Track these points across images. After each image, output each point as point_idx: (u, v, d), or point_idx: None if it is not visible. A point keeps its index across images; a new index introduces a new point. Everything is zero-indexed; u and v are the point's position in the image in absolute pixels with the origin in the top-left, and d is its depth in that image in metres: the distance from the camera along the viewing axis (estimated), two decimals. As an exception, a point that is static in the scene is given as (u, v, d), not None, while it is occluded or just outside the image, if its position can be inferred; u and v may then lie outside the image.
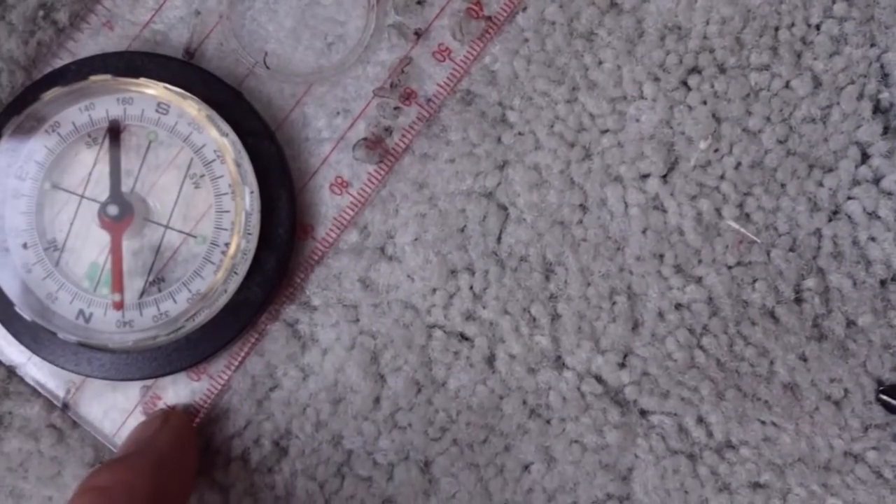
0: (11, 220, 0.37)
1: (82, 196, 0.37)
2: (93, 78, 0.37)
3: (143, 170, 0.38)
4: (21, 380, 0.38)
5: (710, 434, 0.38)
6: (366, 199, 0.38)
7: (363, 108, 0.39)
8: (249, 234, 0.36)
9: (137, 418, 0.38)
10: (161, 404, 0.38)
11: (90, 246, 0.37)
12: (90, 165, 0.38)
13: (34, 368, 0.38)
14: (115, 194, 0.37)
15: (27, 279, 0.37)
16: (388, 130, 0.38)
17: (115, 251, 0.36)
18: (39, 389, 0.38)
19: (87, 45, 0.39)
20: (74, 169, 0.38)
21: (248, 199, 0.36)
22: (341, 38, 0.39)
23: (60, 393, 0.38)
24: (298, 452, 0.38)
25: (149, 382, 0.38)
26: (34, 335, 0.37)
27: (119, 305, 0.36)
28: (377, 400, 0.38)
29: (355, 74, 0.39)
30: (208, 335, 0.37)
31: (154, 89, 0.37)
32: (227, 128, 0.37)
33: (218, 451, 0.38)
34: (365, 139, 0.38)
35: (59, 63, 0.39)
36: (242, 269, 0.36)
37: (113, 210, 0.36)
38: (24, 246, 0.37)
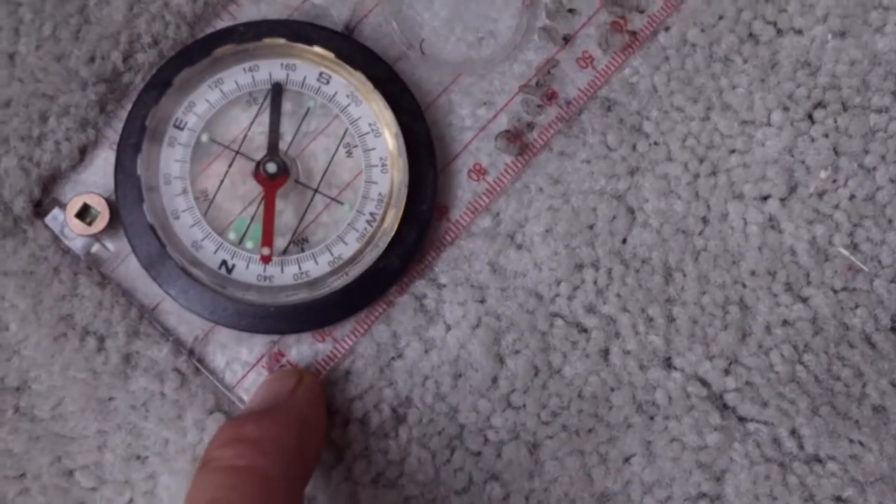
0: (166, 167, 0.38)
1: (237, 152, 0.39)
2: (266, 40, 0.38)
3: (297, 134, 0.39)
4: (151, 322, 0.38)
5: (801, 446, 0.40)
6: (501, 187, 0.40)
7: (506, 102, 0.41)
8: (397, 207, 0.38)
9: (259, 373, 0.39)
10: (283, 361, 0.39)
11: (238, 200, 0.39)
12: (246, 124, 0.39)
13: (166, 312, 0.39)
14: (273, 153, 0.38)
15: (175, 225, 0.38)
16: (530, 126, 0.40)
17: (269, 207, 0.38)
18: (169, 333, 0.39)
19: (248, 10, 0.40)
20: (231, 125, 0.39)
21: (402, 173, 0.37)
22: (492, 34, 0.41)
23: (188, 339, 0.39)
24: (416, 421, 0.39)
25: (275, 338, 0.39)
26: (174, 280, 0.37)
27: (267, 259, 0.37)
28: (495, 379, 0.39)
29: (502, 70, 0.41)
30: (344, 299, 0.38)
31: (323, 58, 0.38)
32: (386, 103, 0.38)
33: (337, 411, 0.39)
34: (507, 131, 0.40)
35: (220, 24, 0.40)
36: (385, 240, 0.38)
37: (271, 168, 0.38)
38: (176, 193, 0.38)
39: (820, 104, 0.41)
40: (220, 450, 0.32)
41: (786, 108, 0.41)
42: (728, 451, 0.39)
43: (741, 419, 0.40)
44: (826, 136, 0.41)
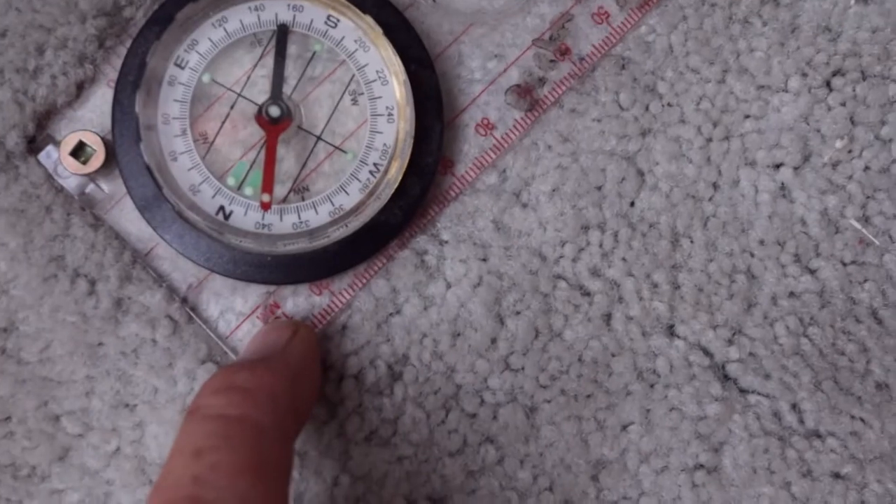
0: (165, 107, 0.37)
1: (239, 94, 0.37)
2: (274, -22, 0.37)
3: (302, 79, 0.38)
4: (144, 267, 0.37)
5: (801, 421, 0.39)
6: (509, 144, 0.39)
7: (518, 55, 0.39)
8: (401, 158, 0.37)
9: (253, 324, 0.38)
10: (279, 313, 0.38)
11: (238, 145, 0.38)
12: (249, 66, 0.38)
13: (160, 258, 0.38)
14: (277, 96, 0.37)
15: (173, 167, 0.37)
16: (542, 81, 0.39)
17: (270, 152, 0.36)
18: (162, 279, 0.38)
19: (256, -52, 0.39)
20: (233, 67, 0.38)
21: (409, 124, 0.36)
22: (506, -16, 0.40)
23: (182, 286, 0.38)
24: (412, 379, 0.38)
25: (271, 289, 0.38)
26: (169, 224, 0.36)
27: (267, 206, 0.36)
28: (494, 340, 0.38)
29: (514, 22, 0.40)
30: (343, 251, 0.37)
31: (332, 0, 0.37)
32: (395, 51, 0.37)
33: (332, 366, 0.38)
34: (517, 86, 0.39)
35: (228, -40, 0.38)
36: (388, 192, 0.37)
37: (274, 111, 0.37)
38: (174, 134, 0.37)
39: (839, 71, 0.40)
40: (210, 397, 0.31)
41: (804, 74, 0.40)
42: (727, 422, 0.39)
43: (742, 391, 0.39)
44: (843, 104, 0.40)
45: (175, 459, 0.29)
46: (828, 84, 0.40)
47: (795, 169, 0.40)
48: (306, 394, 0.35)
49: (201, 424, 0.30)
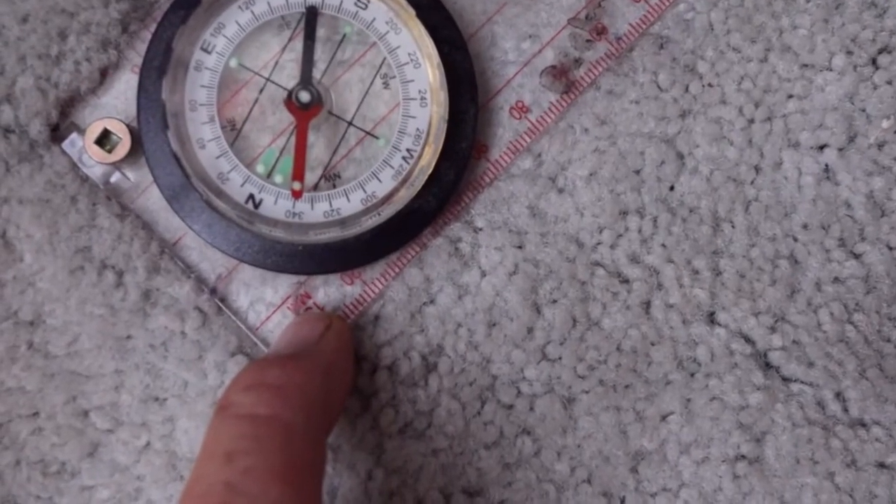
0: (192, 93, 0.36)
1: (268, 79, 0.36)
2: (301, -41, 0.35)
3: (332, 62, 0.37)
4: (172, 258, 0.37)
5: (845, 409, 0.38)
6: (544, 127, 0.38)
7: (553, 35, 0.38)
8: (435, 143, 0.36)
9: (284, 315, 0.37)
10: (310, 304, 0.37)
11: (267, 131, 0.36)
12: (278, 50, 0.37)
13: (188, 248, 0.37)
14: (306, 81, 0.36)
15: (200, 155, 0.36)
16: (578, 62, 0.38)
17: (300, 139, 0.35)
18: (191, 270, 0.37)
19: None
20: (261, 51, 0.37)
21: (442, 108, 0.35)
22: (540, -39, 0.38)
23: (211, 277, 0.37)
24: (447, 370, 0.37)
25: (302, 279, 0.37)
26: (198, 213, 0.35)
27: (298, 194, 0.35)
28: (531, 329, 0.37)
29: (549, 1, 0.39)
30: (375, 240, 0.36)
31: (363, -19, 0.35)
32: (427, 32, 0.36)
33: (365, 358, 0.37)
34: (552, 67, 0.38)
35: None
36: (421, 179, 0.36)
37: (304, 96, 0.35)
38: (202, 121, 0.36)
39: (885, 49, 0.39)
40: (240, 394, 0.31)
41: (849, 52, 0.38)
42: (770, 412, 0.38)
43: (785, 379, 0.38)
44: (889, 83, 0.39)
45: (206, 463, 0.28)
46: (874, 62, 0.39)
47: (840, 150, 0.38)
48: (339, 389, 0.34)
49: (232, 424, 0.30)
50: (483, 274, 0.38)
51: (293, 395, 0.31)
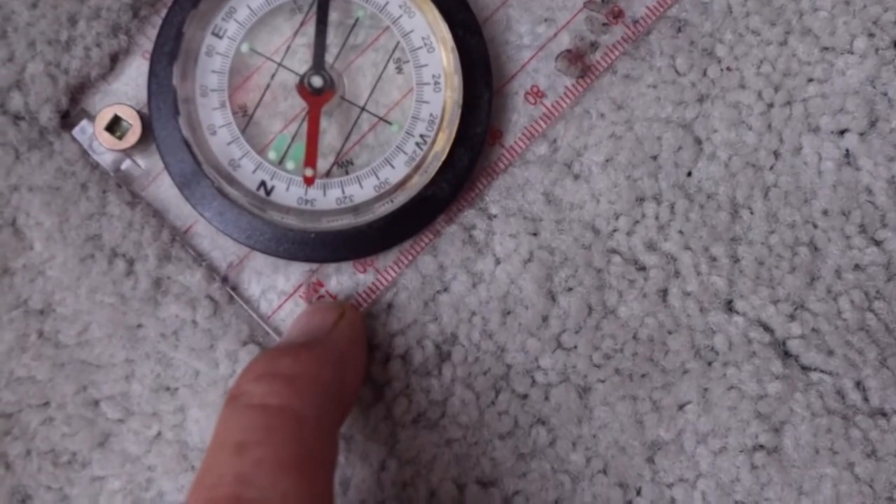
0: (203, 78, 0.35)
1: (280, 64, 0.36)
2: (314, -58, 0.35)
3: (344, 47, 0.36)
4: (183, 245, 0.36)
5: (865, 399, 0.37)
6: (560, 112, 0.37)
7: (569, 19, 0.38)
8: (449, 129, 0.35)
9: (296, 303, 0.37)
10: (322, 292, 0.37)
11: (279, 117, 0.36)
12: (290, 34, 0.36)
13: (199, 235, 0.36)
14: (319, 66, 0.35)
15: (212, 141, 0.35)
16: (594, 46, 0.37)
17: (313, 125, 0.35)
18: (202, 258, 0.36)
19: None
20: (273, 35, 0.36)
21: (457, 93, 0.35)
22: (555, -57, 0.38)
23: (222, 265, 0.37)
24: (461, 359, 0.37)
25: (314, 267, 0.36)
26: (209, 200, 0.35)
27: (311, 181, 0.35)
28: (546, 318, 0.37)
29: (565, -17, 0.38)
30: (388, 227, 0.36)
31: (375, -36, 0.35)
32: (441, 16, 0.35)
33: (378, 347, 0.37)
34: (568, 51, 0.37)
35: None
36: (435, 165, 0.35)
37: (317, 82, 0.35)
38: (213, 107, 0.35)
39: (908, 32, 0.38)
40: (252, 384, 0.30)
41: (871, 35, 0.38)
42: (789, 401, 0.37)
43: (804, 368, 0.37)
44: (912, 66, 0.38)
45: (216, 454, 0.28)
46: (896, 45, 0.38)
47: (861, 135, 0.38)
48: (352, 380, 0.33)
49: (243, 414, 0.29)
50: (497, 261, 0.37)
51: (305, 385, 0.31)
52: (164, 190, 0.36)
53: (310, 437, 0.29)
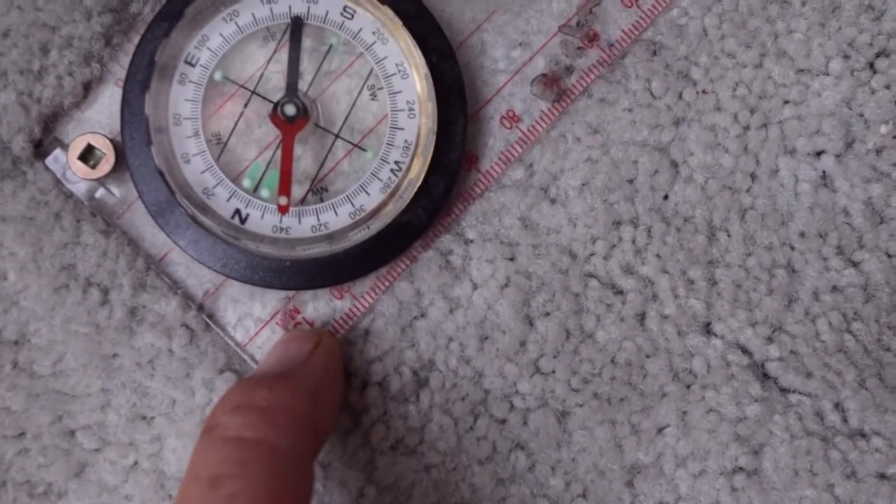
0: (176, 106, 0.35)
1: (253, 92, 0.36)
2: (285, -31, 0.35)
3: (318, 74, 0.36)
4: (158, 274, 0.36)
5: (844, 420, 0.37)
6: (536, 136, 0.37)
7: (544, 43, 0.38)
8: (424, 155, 0.35)
9: (273, 330, 0.37)
10: (299, 319, 0.36)
11: (253, 145, 0.36)
12: (263, 62, 0.36)
13: (174, 264, 0.36)
14: (292, 94, 0.35)
15: (185, 170, 0.35)
16: (569, 70, 0.37)
17: (286, 153, 0.35)
18: (177, 286, 0.36)
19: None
20: (246, 63, 0.36)
21: (431, 119, 0.34)
22: (529, -32, 0.38)
23: (198, 293, 0.36)
24: (438, 385, 0.37)
25: (290, 294, 0.36)
26: (184, 229, 0.35)
27: (285, 209, 0.35)
28: (523, 343, 0.37)
29: (539, 7, 0.38)
30: (365, 254, 0.36)
31: (348, -9, 0.35)
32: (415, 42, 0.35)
33: (355, 373, 0.37)
34: (543, 75, 0.37)
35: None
36: (410, 191, 0.35)
37: (290, 110, 0.35)
38: (186, 135, 0.35)
39: (883, 52, 0.38)
40: (227, 416, 0.30)
41: (846, 56, 0.38)
42: (768, 423, 0.37)
43: (783, 390, 0.37)
44: (888, 87, 0.38)
45: (191, 487, 0.28)
46: (871, 66, 0.38)
47: (837, 156, 0.38)
48: (328, 409, 0.33)
49: (217, 447, 0.29)
50: (475, 287, 0.37)
51: (280, 417, 0.30)
52: (139, 218, 0.36)
53: (285, 469, 0.29)
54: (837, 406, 0.37)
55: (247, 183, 0.35)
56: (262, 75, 0.36)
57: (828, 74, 0.38)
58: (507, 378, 0.37)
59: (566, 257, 0.37)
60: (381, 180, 0.36)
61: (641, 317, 0.37)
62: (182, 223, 0.35)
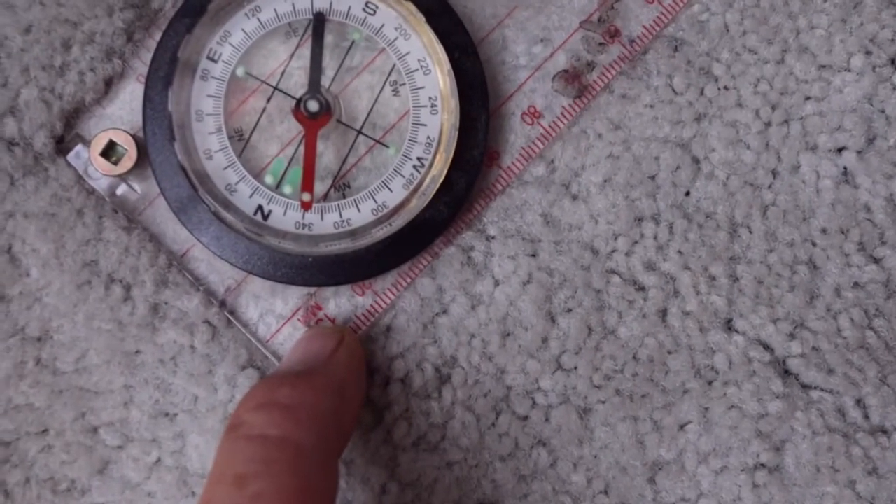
0: (198, 102, 0.35)
1: (275, 87, 0.36)
2: (308, -35, 0.35)
3: (340, 70, 0.36)
4: (180, 270, 0.36)
5: (866, 416, 0.37)
6: (557, 132, 0.37)
7: (565, 39, 0.37)
8: (446, 151, 0.35)
9: (294, 327, 0.36)
10: (320, 315, 0.36)
11: (275, 141, 0.36)
12: (285, 58, 0.36)
13: (196, 260, 0.36)
14: (315, 90, 0.35)
15: (208, 166, 0.35)
16: (590, 66, 0.37)
17: (309, 149, 0.35)
18: (199, 283, 0.36)
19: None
20: (268, 59, 0.36)
21: (453, 115, 0.34)
22: (551, -36, 0.38)
23: (220, 289, 0.36)
24: (460, 382, 0.37)
25: (312, 290, 0.36)
26: (206, 225, 0.35)
27: (308, 206, 0.35)
28: (545, 339, 0.37)
29: (560, 3, 0.38)
30: (387, 250, 0.36)
31: (371, -14, 0.35)
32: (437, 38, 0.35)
33: (377, 370, 0.37)
34: (565, 71, 0.37)
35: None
36: (432, 188, 0.35)
37: (313, 106, 0.35)
38: (209, 131, 0.35)
39: (905, 49, 0.38)
40: (251, 414, 0.30)
41: (868, 52, 0.38)
42: (790, 420, 0.37)
43: (805, 387, 0.37)
44: (910, 83, 0.38)
45: (216, 486, 0.28)
46: (893, 62, 0.38)
47: (859, 153, 0.38)
48: (351, 407, 0.33)
49: (242, 446, 0.29)
50: (496, 283, 0.37)
51: (305, 415, 0.30)
52: (161, 214, 0.36)
53: (309, 467, 0.29)
54: (859, 402, 0.37)
55: (269, 179, 0.35)
56: (284, 71, 0.36)
57: (849, 70, 0.38)
58: (529, 374, 0.37)
59: (588, 254, 0.37)
60: (403, 177, 0.35)
61: (663, 313, 0.37)
62: (204, 219, 0.35)
